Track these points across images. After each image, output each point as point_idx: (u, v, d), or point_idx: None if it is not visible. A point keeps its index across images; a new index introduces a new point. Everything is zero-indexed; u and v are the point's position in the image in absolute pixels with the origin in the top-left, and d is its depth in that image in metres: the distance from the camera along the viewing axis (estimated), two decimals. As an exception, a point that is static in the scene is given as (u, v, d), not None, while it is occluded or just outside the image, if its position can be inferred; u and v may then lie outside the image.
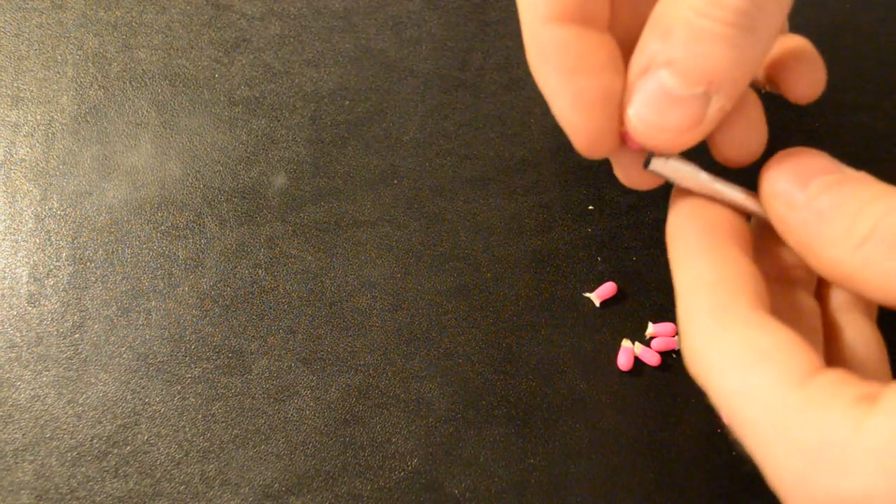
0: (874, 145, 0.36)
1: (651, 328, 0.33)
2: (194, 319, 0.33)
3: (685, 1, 0.19)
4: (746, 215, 0.22)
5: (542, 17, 0.21)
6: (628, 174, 0.23)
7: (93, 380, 0.32)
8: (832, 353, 0.23)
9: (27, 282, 0.33)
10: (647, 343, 0.33)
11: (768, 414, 0.17)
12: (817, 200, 0.19)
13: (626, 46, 0.21)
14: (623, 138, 0.22)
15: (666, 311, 0.34)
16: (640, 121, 0.20)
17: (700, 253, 0.21)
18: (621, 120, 0.21)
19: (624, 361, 0.32)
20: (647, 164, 0.22)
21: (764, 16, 0.19)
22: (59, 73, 0.36)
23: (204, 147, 0.36)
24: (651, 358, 0.32)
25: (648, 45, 0.20)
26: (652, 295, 0.34)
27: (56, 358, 0.32)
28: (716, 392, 0.19)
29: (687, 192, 0.22)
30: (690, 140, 0.20)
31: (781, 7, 0.19)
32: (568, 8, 0.20)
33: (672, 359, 0.33)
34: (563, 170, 0.36)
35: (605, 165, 0.36)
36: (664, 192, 0.24)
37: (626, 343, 0.33)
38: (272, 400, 0.32)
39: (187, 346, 0.32)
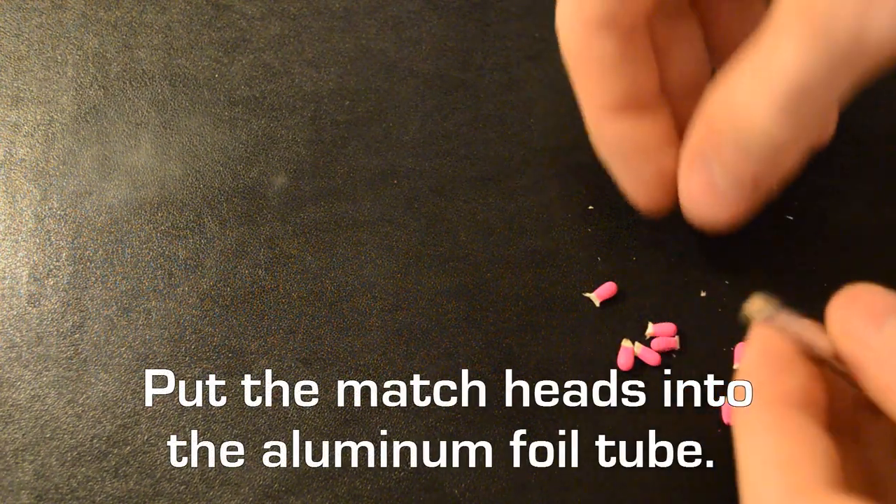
0: (874, 146, 0.36)
1: (651, 328, 0.33)
2: (194, 319, 0.33)
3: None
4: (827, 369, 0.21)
5: (600, 107, 0.23)
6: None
7: (93, 380, 0.32)
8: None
9: (27, 282, 0.33)
10: (647, 343, 0.33)
11: None
12: (895, 339, 0.19)
13: (679, 116, 0.24)
14: None
15: (666, 311, 0.33)
16: (691, 203, 0.22)
17: (768, 424, 0.19)
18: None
19: (624, 361, 0.32)
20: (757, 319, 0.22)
21: (800, 142, 0.20)
22: (59, 73, 0.36)
23: (204, 147, 0.36)
24: (651, 358, 0.32)
25: (701, 135, 0.21)
26: (652, 295, 0.34)
27: (56, 358, 0.32)
28: None
29: (756, 348, 0.22)
30: (732, 221, 0.22)
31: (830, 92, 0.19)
32: (623, 98, 0.23)
33: (672, 359, 0.33)
34: (563, 170, 0.36)
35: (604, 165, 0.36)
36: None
37: (626, 343, 0.33)
38: (272, 399, 0.32)
39: (187, 346, 0.32)
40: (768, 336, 0.22)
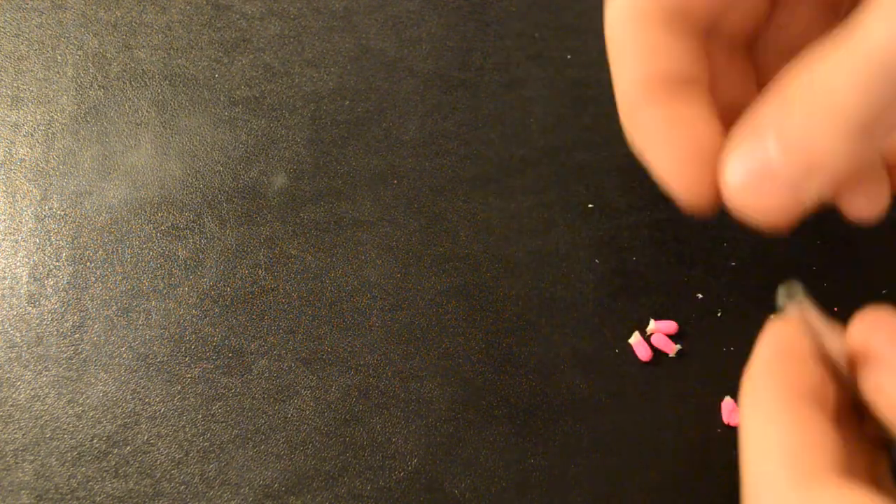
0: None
1: (652, 324, 0.33)
2: (194, 319, 0.33)
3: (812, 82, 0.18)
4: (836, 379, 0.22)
5: (635, 82, 0.21)
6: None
7: (93, 380, 0.32)
8: None
9: (27, 282, 0.33)
10: (647, 340, 0.33)
11: None
12: None
13: (725, 116, 0.22)
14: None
15: (666, 310, 0.33)
16: (736, 186, 0.20)
17: (780, 413, 0.20)
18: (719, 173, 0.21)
19: (643, 353, 0.32)
20: (781, 305, 0.22)
21: (882, 125, 0.18)
22: (59, 73, 0.36)
23: (204, 147, 0.36)
24: (643, 353, 0.32)
25: (764, 109, 0.19)
26: (652, 295, 0.34)
27: (56, 358, 0.32)
28: None
29: (772, 342, 0.22)
30: (783, 218, 0.19)
31: None
32: (661, 72, 0.21)
33: (672, 358, 0.33)
34: (563, 170, 0.36)
35: (604, 165, 0.36)
36: (663, 192, 0.23)
37: (635, 337, 0.33)
38: (272, 400, 0.32)
39: (187, 346, 0.32)
40: (785, 331, 0.22)
